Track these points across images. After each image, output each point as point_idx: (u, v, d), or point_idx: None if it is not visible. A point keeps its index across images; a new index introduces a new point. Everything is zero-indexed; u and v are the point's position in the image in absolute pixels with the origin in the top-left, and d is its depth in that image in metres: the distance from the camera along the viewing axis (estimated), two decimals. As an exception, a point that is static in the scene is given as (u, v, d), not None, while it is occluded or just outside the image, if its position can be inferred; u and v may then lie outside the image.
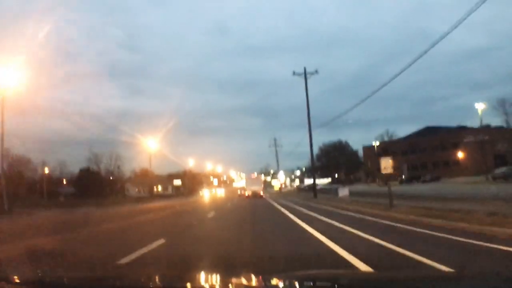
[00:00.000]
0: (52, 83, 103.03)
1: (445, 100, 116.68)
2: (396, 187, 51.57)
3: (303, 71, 33.27)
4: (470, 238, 7.81)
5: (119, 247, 8.59)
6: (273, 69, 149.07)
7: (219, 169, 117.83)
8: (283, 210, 19.79)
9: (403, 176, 66.05)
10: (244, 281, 2.67)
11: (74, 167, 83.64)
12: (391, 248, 7.14)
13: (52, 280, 2.87)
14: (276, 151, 74.02)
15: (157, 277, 3.13)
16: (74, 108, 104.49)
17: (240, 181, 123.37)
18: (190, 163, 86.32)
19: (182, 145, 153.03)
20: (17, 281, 2.70)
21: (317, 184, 67.53)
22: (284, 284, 2.62)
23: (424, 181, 61.02)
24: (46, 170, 73.83)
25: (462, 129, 76.13)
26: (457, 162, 72.68)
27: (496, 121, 73.19)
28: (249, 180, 56.98)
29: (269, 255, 6.71)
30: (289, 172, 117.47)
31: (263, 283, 2.65)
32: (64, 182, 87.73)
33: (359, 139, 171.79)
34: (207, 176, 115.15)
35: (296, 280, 2.66)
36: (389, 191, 16.12)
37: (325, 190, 52.49)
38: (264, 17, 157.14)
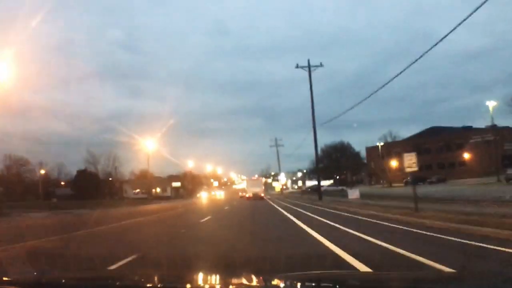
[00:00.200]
0: (52, 83, 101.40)
1: (447, 101, 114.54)
2: (401, 189, 49.26)
3: (306, 64, 30.86)
4: None
5: (79, 264, 6.20)
6: (273, 69, 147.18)
7: (219, 170, 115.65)
8: (287, 214, 17.35)
9: (408, 178, 63.69)
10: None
11: (73, 169, 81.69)
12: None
13: (50, 280, 2.81)
14: (277, 151, 71.56)
15: (156, 277, 3.04)
16: (73, 109, 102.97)
17: (240, 183, 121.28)
18: (190, 165, 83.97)
19: (182, 146, 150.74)
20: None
21: (321, 186, 65.26)
22: (285, 284, 2.53)
23: (431, 183, 58.51)
24: (42, 171, 71.76)
25: (467, 130, 73.70)
26: (463, 163, 70.17)
27: (501, 122, 70.86)
28: (250, 182, 56.22)
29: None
30: (290, 174, 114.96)
31: (263, 284, 2.61)
32: (63, 184, 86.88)
33: (360, 141, 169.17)
34: (207, 178, 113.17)
35: (296, 281, 2.61)
36: (414, 193, 13.73)
37: (329, 191, 50.14)
38: (264, 18, 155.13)
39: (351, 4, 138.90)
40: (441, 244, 7.60)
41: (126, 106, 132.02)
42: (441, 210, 12.87)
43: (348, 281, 2.72)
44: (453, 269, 4.96)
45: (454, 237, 8.05)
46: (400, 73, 19.23)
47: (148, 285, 2.79)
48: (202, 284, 2.70)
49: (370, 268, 5.32)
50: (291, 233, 10.25)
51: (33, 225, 17.67)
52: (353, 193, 23.03)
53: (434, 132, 76.81)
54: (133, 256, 6.95)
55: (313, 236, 9.20)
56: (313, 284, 2.64)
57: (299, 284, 2.55)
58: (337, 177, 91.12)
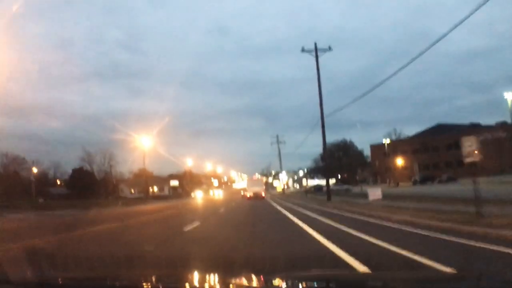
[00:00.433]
0: (51, 83, 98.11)
1: (447, 100, 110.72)
2: (410, 188, 45.20)
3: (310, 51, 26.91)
4: None
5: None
6: (274, 69, 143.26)
7: (219, 170, 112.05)
8: (298, 222, 13.29)
9: (416, 177, 59.73)
10: None
11: (70, 168, 78.90)
12: None
13: (49, 280, 2.75)
14: (279, 148, 67.85)
15: (156, 277, 2.91)
16: (73, 108, 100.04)
17: (241, 182, 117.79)
18: (189, 163, 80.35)
19: (183, 146, 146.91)
20: None
21: (324, 185, 61.27)
22: (286, 284, 2.49)
23: (440, 182, 54.51)
24: (35, 170, 68.10)
25: (475, 127, 69.80)
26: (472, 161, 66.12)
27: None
28: (251, 182, 54.62)
29: None
30: (291, 173, 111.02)
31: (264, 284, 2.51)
32: (59, 183, 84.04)
33: (362, 140, 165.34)
34: (207, 177, 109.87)
35: (296, 281, 2.55)
36: (475, 193, 9.82)
37: (334, 191, 45.86)
38: (264, 17, 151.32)
39: (352, 4, 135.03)
40: None
41: (126, 105, 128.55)
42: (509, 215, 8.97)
43: (348, 281, 2.61)
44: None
45: None
46: (399, 70, 18.71)
47: (148, 285, 2.61)
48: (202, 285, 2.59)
49: None
50: (316, 256, 6.29)
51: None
52: (374, 193, 19.04)
53: (440, 130, 72.81)
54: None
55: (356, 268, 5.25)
56: (313, 284, 2.54)
57: (300, 285, 2.45)
58: (339, 176, 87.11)
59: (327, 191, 27.41)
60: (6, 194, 49.34)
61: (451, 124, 73.40)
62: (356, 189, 54.98)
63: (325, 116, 26.76)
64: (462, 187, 38.24)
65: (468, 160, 9.85)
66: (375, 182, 69.80)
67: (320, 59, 26.54)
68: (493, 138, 63.59)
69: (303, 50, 26.73)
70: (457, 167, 67.68)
